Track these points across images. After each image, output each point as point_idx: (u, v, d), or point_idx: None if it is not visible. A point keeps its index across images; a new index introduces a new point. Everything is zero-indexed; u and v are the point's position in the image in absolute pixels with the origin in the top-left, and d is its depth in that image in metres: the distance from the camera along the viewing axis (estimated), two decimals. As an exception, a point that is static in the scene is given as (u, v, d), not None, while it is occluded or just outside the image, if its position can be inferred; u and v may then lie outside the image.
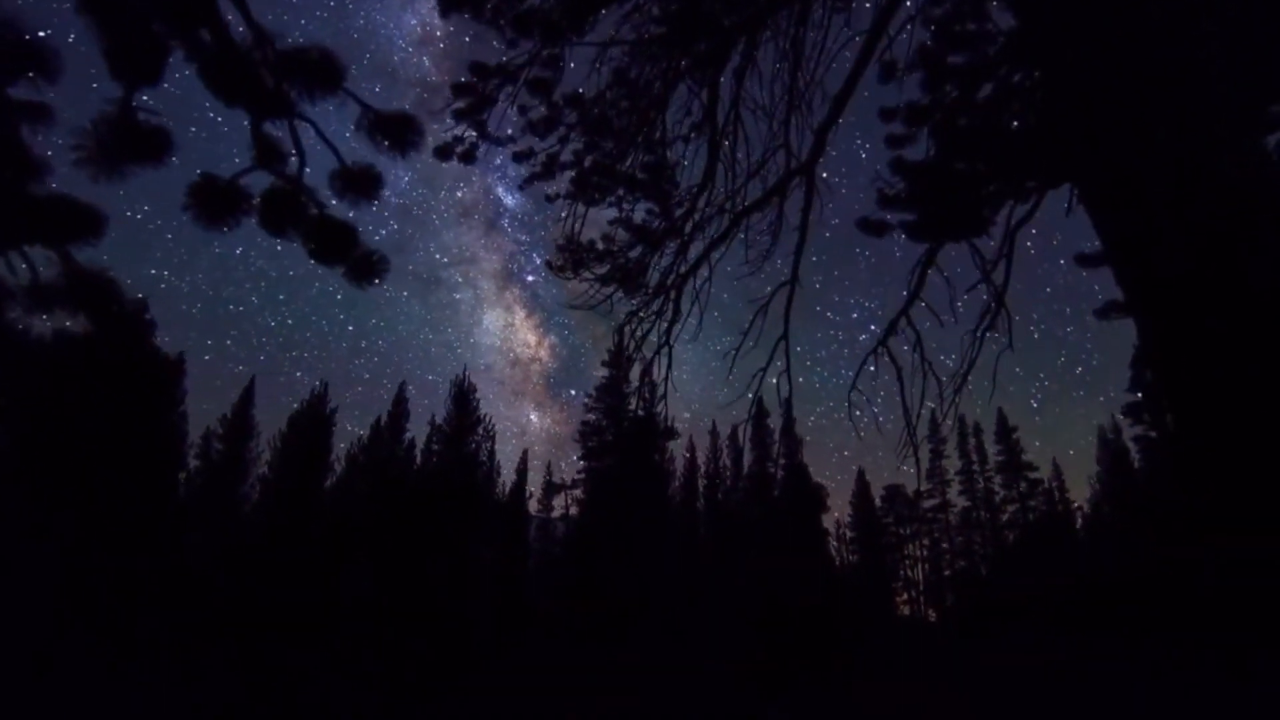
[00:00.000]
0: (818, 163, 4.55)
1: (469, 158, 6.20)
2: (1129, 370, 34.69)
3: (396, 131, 2.00)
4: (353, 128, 2.03)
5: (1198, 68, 2.17)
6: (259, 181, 1.96)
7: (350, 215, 2.21)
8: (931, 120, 5.84)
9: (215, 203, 1.83)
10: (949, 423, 4.52)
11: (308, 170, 2.03)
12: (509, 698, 20.27)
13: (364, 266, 2.03)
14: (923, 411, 4.52)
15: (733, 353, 4.77)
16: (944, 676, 29.92)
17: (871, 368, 4.68)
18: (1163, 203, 2.04)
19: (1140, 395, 34.43)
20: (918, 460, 4.52)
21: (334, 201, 2.12)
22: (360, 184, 2.03)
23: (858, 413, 4.79)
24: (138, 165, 1.72)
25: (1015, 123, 5.96)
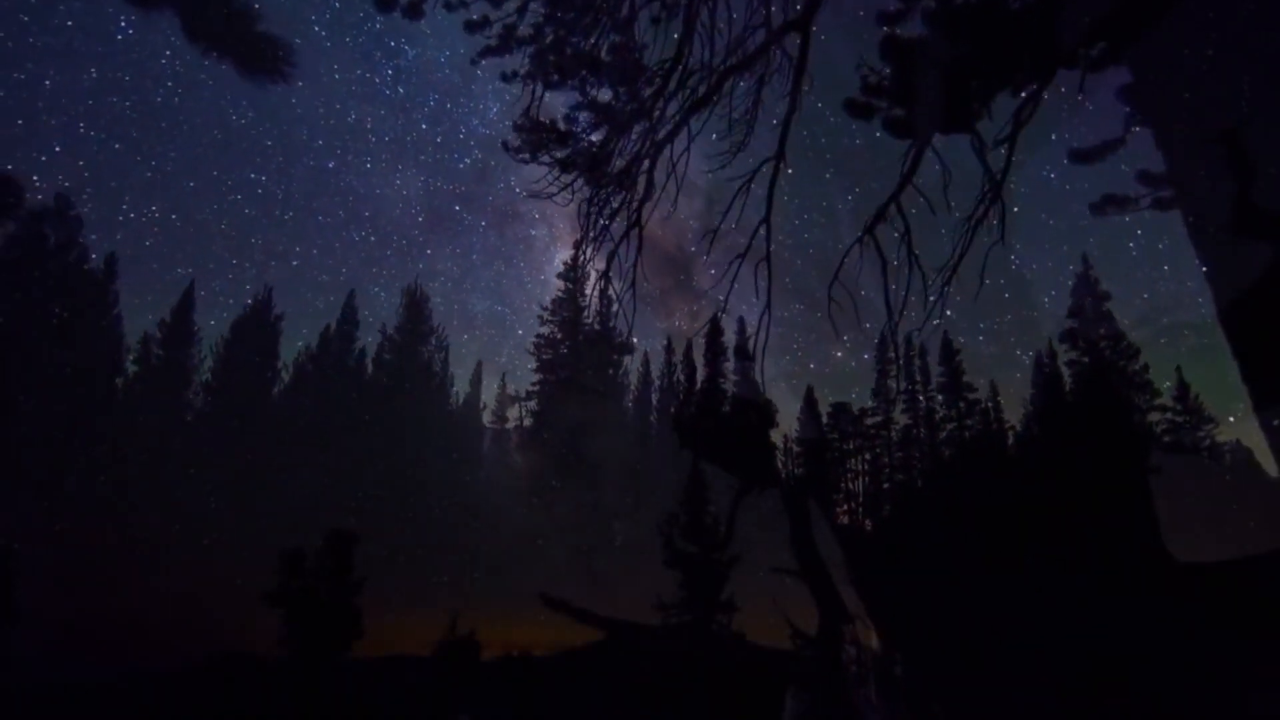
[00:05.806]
0: (814, 16, 4.03)
1: (415, 11, 5.43)
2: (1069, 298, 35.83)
3: None
4: None
5: None
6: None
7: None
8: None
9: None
10: (934, 322, 4.30)
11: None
12: (464, 598, 20.76)
13: (259, 53, 1.53)
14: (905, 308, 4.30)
15: (711, 233, 4.40)
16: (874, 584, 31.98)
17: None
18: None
19: (1077, 323, 35.70)
20: (897, 357, 4.32)
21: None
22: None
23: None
24: None
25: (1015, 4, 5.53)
